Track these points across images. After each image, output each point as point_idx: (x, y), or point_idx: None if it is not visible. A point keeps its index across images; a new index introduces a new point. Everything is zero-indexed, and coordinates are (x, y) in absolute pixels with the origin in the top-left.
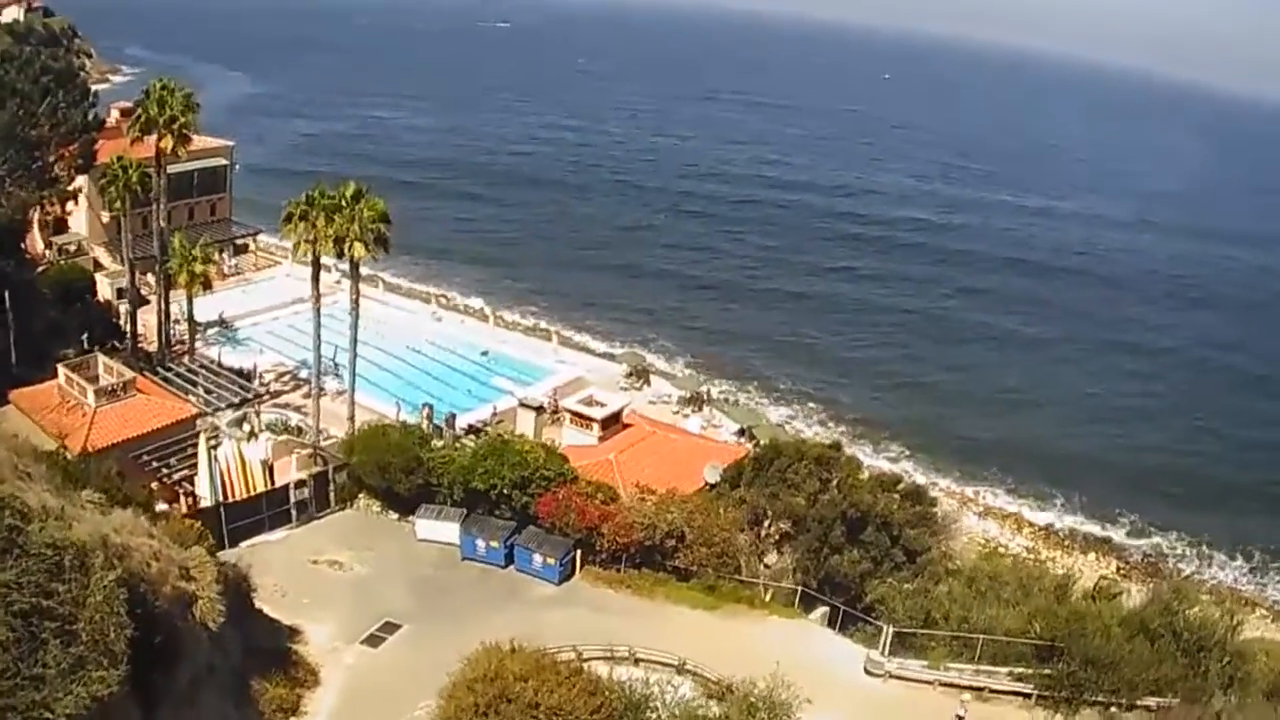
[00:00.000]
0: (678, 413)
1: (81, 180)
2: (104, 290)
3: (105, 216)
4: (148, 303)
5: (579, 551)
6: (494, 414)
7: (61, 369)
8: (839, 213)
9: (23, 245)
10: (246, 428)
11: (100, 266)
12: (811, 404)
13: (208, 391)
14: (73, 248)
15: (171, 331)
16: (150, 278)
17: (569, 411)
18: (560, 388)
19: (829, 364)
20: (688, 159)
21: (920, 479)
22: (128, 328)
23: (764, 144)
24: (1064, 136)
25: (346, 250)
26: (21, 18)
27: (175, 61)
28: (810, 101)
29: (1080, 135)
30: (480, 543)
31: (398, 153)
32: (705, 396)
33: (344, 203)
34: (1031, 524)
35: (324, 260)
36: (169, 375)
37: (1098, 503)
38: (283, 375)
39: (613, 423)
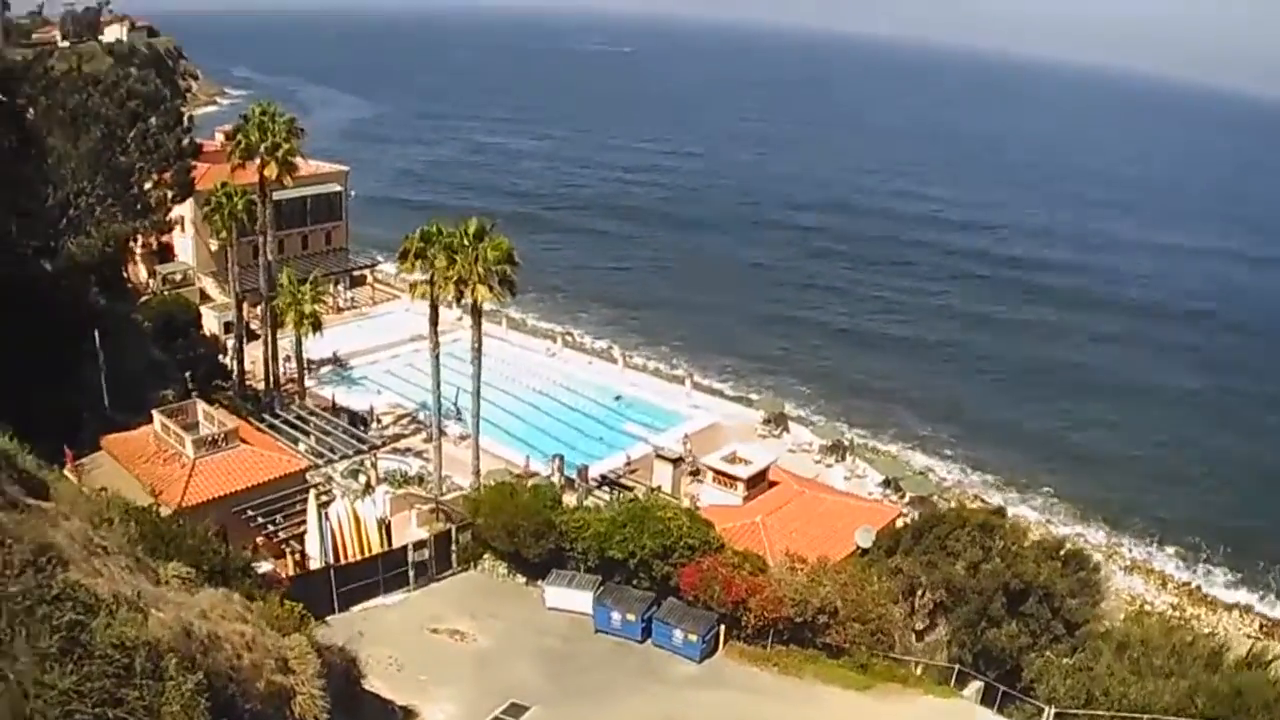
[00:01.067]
0: (819, 461)
1: (185, 207)
2: (210, 324)
3: (213, 244)
4: (257, 337)
5: (722, 626)
6: (628, 463)
7: (157, 416)
8: (975, 250)
9: (124, 274)
10: (362, 479)
11: (207, 298)
12: (951, 451)
13: (319, 441)
14: (178, 277)
15: (281, 370)
16: (261, 309)
17: (712, 469)
18: (694, 434)
19: (970, 411)
20: (817, 190)
21: (1064, 529)
22: (234, 366)
23: (899, 174)
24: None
25: (469, 294)
26: (124, 37)
27: (284, 83)
28: (935, 128)
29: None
30: (615, 615)
31: (515, 181)
32: (847, 445)
33: (465, 241)
34: (1175, 580)
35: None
36: (276, 423)
37: (1240, 559)
38: (401, 418)
39: (759, 481)
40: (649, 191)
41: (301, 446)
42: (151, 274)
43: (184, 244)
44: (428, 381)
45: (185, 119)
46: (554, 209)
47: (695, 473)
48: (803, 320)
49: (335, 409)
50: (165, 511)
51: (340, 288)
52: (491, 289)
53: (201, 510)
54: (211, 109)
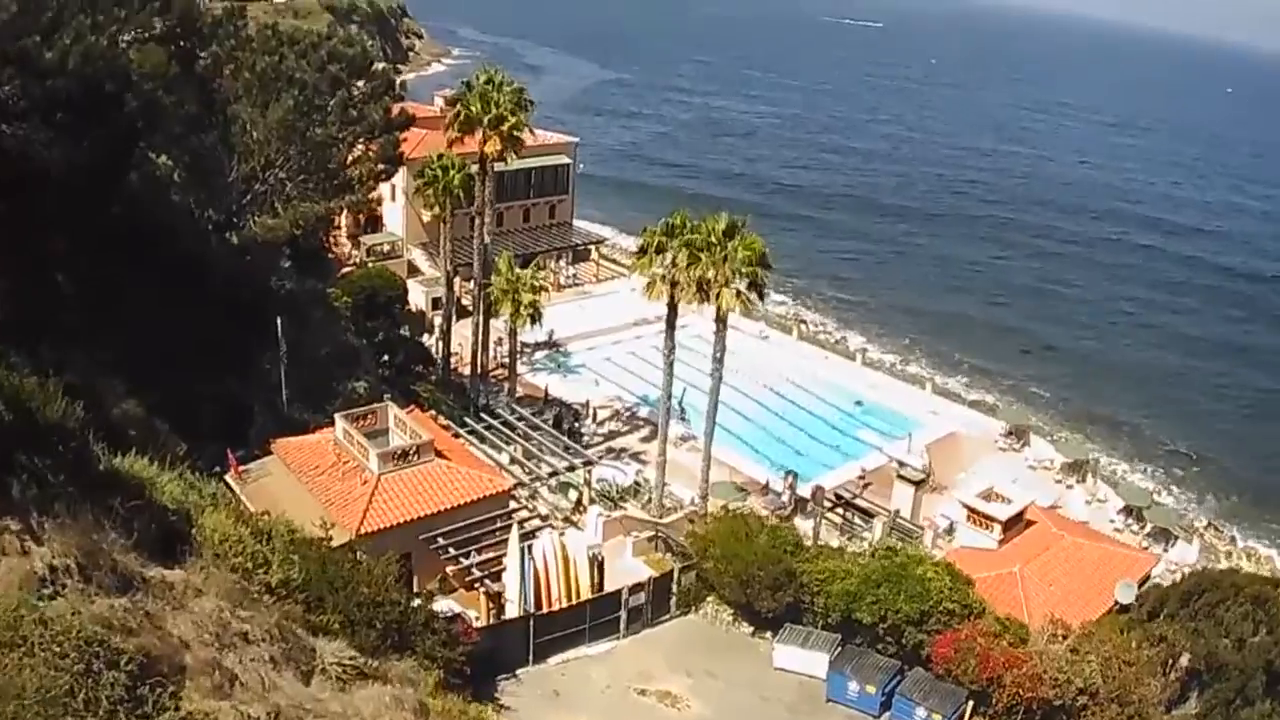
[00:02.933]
0: (1059, 481)
1: (397, 175)
2: (416, 298)
3: (425, 214)
4: (468, 314)
5: (970, 704)
6: (861, 476)
7: (340, 421)
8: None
9: (325, 245)
10: (573, 495)
11: (415, 271)
12: (1194, 480)
13: (526, 452)
14: (385, 248)
15: (492, 355)
16: (474, 290)
17: (967, 508)
18: (932, 445)
19: (1223, 441)
20: (1064, 185)
21: None
22: (439, 349)
23: (1134, 167)
24: None
25: (712, 297)
26: None
27: (511, 45)
28: (1151, 118)
29: None
30: (853, 684)
31: (747, 160)
32: (1089, 465)
33: (713, 239)
34: None
35: None
36: (478, 427)
37: None
38: (620, 412)
39: (1016, 522)
40: (876, 180)
41: (504, 458)
42: (355, 244)
43: (393, 213)
44: (651, 372)
45: (396, 85)
46: (783, 192)
47: (935, 490)
48: (1046, 320)
49: (548, 400)
50: (340, 536)
51: (562, 263)
52: (739, 294)
53: (383, 537)
54: (436, 68)
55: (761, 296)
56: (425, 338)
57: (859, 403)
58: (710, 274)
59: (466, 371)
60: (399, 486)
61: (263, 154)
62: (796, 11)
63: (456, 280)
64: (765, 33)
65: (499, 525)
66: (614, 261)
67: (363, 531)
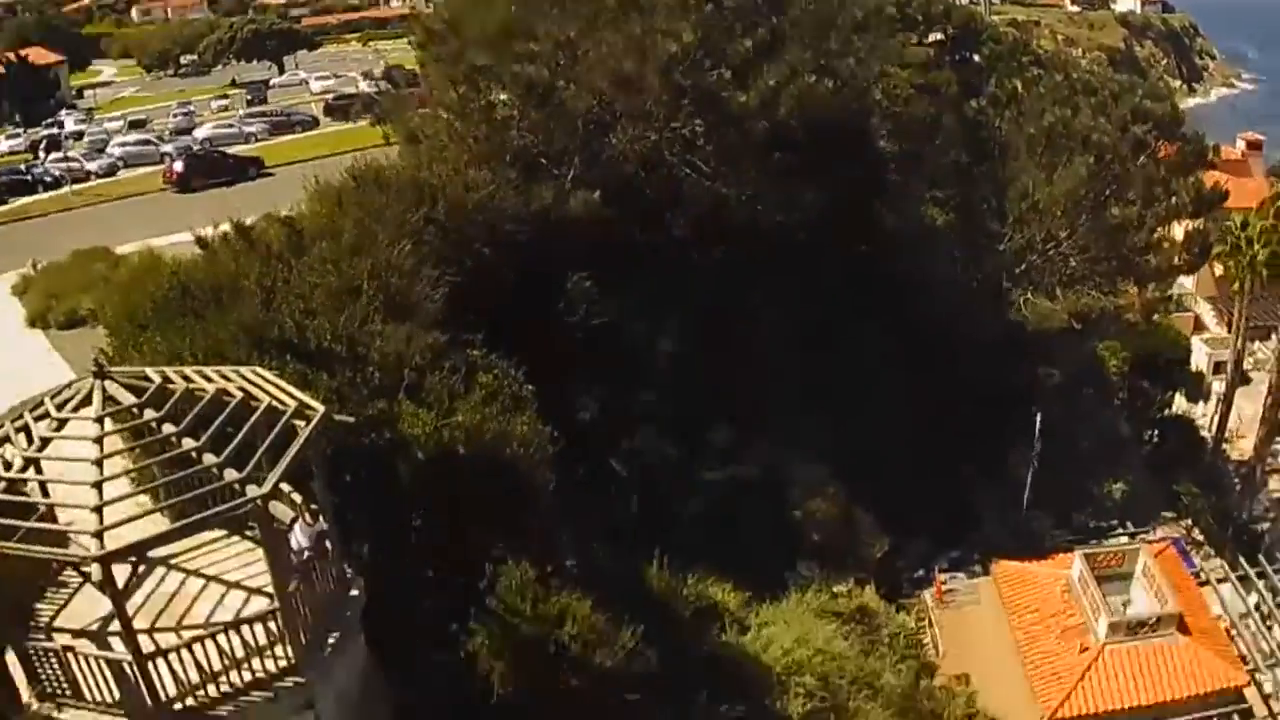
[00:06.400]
0: None
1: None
2: (1198, 358)
3: (1218, 267)
4: (1248, 382)
5: None
6: None
7: (1078, 560)
8: None
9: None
10: None
11: (1201, 328)
12: None
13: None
14: (1169, 299)
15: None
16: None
17: None
18: None
19: None
20: None
21: None
22: (1212, 428)
23: None
24: None
25: None
26: (1138, 9)
27: None
28: None
29: None
30: None
31: None
32: None
33: None
34: None
35: None
36: (1231, 576)
37: None
38: None
39: None
40: None
41: (1240, 644)
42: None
43: None
44: None
45: (1209, 153)
46: None
47: None
48: None
49: None
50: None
51: None
52: None
53: None
54: (1219, 92)
55: None
56: (1199, 406)
57: None
58: None
59: (1235, 455)
60: (1122, 664)
61: (1044, 224)
62: None
63: (1244, 344)
64: None
65: None
66: None
67: (1061, 716)
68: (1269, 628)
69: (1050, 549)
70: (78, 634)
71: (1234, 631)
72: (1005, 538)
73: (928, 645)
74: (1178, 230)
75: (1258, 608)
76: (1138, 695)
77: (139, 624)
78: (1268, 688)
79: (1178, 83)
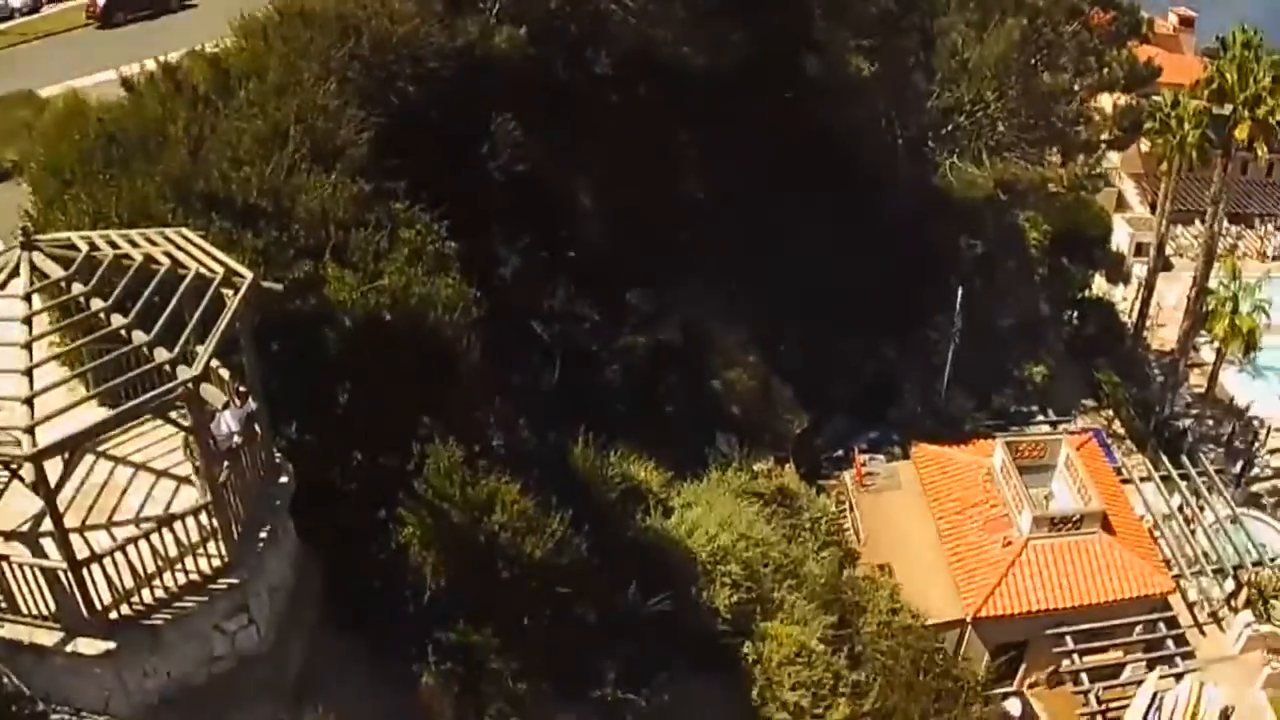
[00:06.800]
0: None
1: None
2: (1119, 238)
3: (1144, 144)
4: (1170, 268)
5: None
6: None
7: (1000, 449)
8: None
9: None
10: (1228, 586)
11: (1124, 206)
12: None
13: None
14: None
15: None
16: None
17: None
18: None
19: None
20: None
21: None
22: (1132, 310)
23: None
24: None
25: None
26: None
27: None
28: None
29: None
30: None
31: None
32: None
33: None
34: None
35: None
36: (1154, 475)
37: None
38: None
39: None
40: None
41: (1166, 540)
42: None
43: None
44: None
45: (1143, 26)
46: None
47: None
48: None
49: (1230, 409)
50: (953, 607)
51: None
52: None
53: (1006, 624)
54: None
55: None
56: (1119, 289)
57: None
58: None
59: (1156, 345)
60: (1045, 560)
61: (974, 85)
62: None
63: (1168, 227)
64: None
65: (1140, 634)
66: None
67: (985, 614)
68: (1192, 532)
69: (971, 433)
70: (9, 536)
71: (1157, 534)
72: (924, 417)
73: (848, 530)
74: (1106, 103)
75: (1180, 510)
76: (1062, 596)
77: (70, 522)
78: (1192, 595)
79: None
